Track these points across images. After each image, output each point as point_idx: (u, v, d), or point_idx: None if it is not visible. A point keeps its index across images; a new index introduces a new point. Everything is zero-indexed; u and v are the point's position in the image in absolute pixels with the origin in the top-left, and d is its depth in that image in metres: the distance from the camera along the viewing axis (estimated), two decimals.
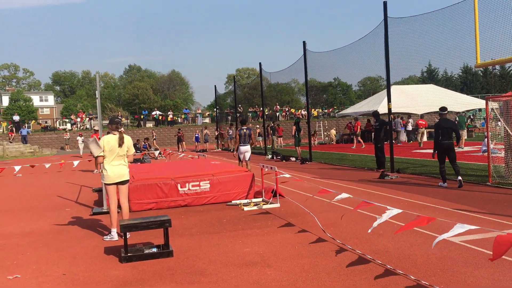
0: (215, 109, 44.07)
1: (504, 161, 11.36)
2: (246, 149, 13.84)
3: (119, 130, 7.48)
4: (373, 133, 15.93)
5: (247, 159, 13.81)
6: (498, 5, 12.02)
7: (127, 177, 7.50)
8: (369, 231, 5.91)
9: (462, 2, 13.05)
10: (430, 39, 14.69)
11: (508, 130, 10.96)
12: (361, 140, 29.01)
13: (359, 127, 29.99)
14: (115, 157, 7.32)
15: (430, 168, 14.52)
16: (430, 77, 69.40)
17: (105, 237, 7.39)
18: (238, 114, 37.60)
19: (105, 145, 7.30)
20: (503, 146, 11.57)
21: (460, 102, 29.87)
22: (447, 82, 64.42)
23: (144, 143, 28.41)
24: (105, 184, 7.43)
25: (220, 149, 34.22)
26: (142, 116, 52.17)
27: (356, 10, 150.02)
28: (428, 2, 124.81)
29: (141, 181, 9.78)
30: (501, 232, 3.85)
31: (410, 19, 14.71)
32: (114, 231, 7.31)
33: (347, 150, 25.93)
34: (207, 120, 55.47)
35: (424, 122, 27.85)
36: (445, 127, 11.00)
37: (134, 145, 28.08)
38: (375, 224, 5.43)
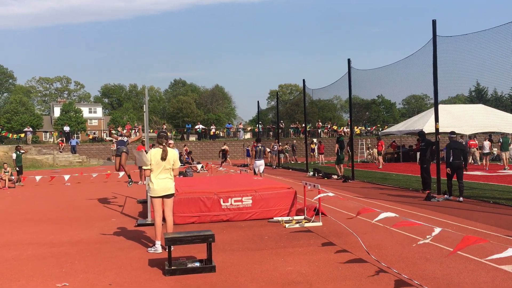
0: (257, 124, 44.28)
1: None
2: (260, 163, 16.69)
3: (166, 143, 7.64)
4: (418, 153, 15.56)
5: (261, 171, 16.70)
6: None
7: (172, 191, 7.63)
8: (417, 244, 5.73)
9: None
10: (479, 58, 14.27)
11: None
12: (381, 160, 28.20)
13: (383, 146, 29.27)
14: (161, 171, 7.48)
15: (479, 191, 13.99)
16: (478, 96, 67.34)
17: (149, 249, 7.51)
18: (280, 130, 37.65)
19: (152, 158, 7.48)
20: None
21: (510, 123, 28.76)
22: (497, 102, 62.23)
23: (187, 156, 28.84)
24: (151, 196, 7.59)
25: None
26: (185, 130, 53.06)
27: (400, 28, 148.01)
28: (477, 21, 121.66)
29: (185, 194, 9.91)
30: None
31: (459, 38, 14.37)
32: (158, 244, 7.40)
33: (389, 169, 25.40)
34: (248, 135, 55.78)
35: (475, 142, 27.07)
36: (455, 148, 12.69)
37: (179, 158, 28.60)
38: (423, 241, 5.27)
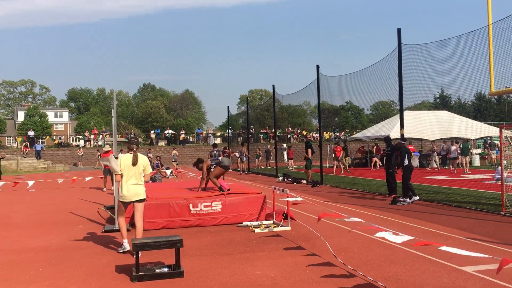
0: (227, 130, 44.29)
1: None
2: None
3: (137, 149, 7.75)
4: (385, 158, 15.92)
5: None
6: None
7: (143, 196, 7.72)
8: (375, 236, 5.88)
9: (477, 31, 13.15)
10: (443, 66, 14.76)
11: None
12: (341, 166, 28.48)
13: (341, 152, 29.51)
14: (132, 176, 7.58)
15: (442, 195, 14.41)
16: (442, 103, 69.25)
17: (119, 249, 7.74)
18: (250, 135, 37.77)
19: (122, 163, 7.58)
20: None
21: (473, 129, 29.77)
22: (460, 109, 64.15)
23: (157, 161, 28.58)
24: (120, 201, 7.73)
25: (231, 170, 34.25)
26: (154, 135, 52.56)
27: (369, 35, 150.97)
28: (442, 29, 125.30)
29: (154, 200, 9.85)
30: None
31: (423, 46, 14.82)
32: (125, 242, 7.70)
33: (356, 174, 25.85)
34: (218, 140, 55.68)
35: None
36: (409, 153, 13.59)
37: None
38: (381, 233, 5.43)
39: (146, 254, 7.21)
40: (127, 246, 7.64)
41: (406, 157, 13.39)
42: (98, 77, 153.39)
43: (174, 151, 35.14)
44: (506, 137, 11.87)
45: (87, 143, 49.02)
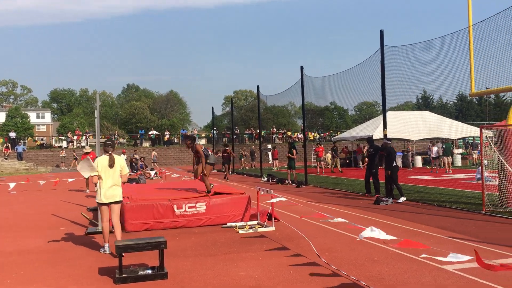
0: (212, 130, 44.21)
1: (498, 189, 11.46)
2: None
3: (113, 151, 7.89)
4: (367, 159, 16.03)
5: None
6: (492, 36, 12.29)
7: (119, 198, 7.84)
8: (358, 238, 5.95)
9: (457, 32, 13.35)
10: (425, 67, 14.96)
11: (502, 159, 11.09)
12: (322, 166, 28.56)
13: (323, 152, 29.57)
14: (109, 178, 7.69)
15: (424, 195, 14.60)
16: (425, 103, 70.07)
17: (101, 250, 7.81)
18: (234, 136, 37.75)
19: (99, 165, 7.69)
20: (497, 174, 11.68)
21: (454, 130, 30.19)
22: (442, 109, 64.99)
23: (141, 162, 28.39)
24: (98, 203, 7.80)
25: (216, 170, 34.18)
26: (138, 135, 52.22)
27: (353, 36, 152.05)
28: (424, 31, 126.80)
29: (138, 201, 9.79)
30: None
31: (406, 47, 15.00)
32: (106, 245, 7.72)
33: (340, 174, 26.02)
34: (203, 141, 55.55)
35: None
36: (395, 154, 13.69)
37: (131, 165, 28.05)
38: (362, 234, 5.49)
39: (130, 256, 7.17)
40: (107, 249, 7.71)
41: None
42: (81, 77, 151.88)
43: (154, 152, 34.99)
44: (486, 137, 12.05)
45: (70, 144, 48.49)
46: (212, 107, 40.58)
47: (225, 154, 25.87)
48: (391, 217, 10.73)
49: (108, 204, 7.72)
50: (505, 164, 10.96)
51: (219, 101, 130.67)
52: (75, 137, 49.60)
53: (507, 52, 11.96)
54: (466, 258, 4.36)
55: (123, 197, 10.14)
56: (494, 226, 9.20)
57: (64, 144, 50.97)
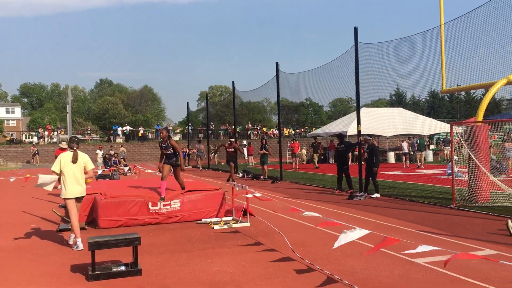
0: (187, 126, 43.96)
1: (468, 184, 11.75)
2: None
3: (77, 147, 8.04)
4: (336, 154, 15.99)
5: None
6: (463, 35, 12.57)
7: (83, 193, 8.04)
8: (334, 247, 6.02)
9: (429, 31, 13.61)
10: (398, 64, 15.21)
11: (471, 154, 11.37)
12: (297, 162, 28.74)
13: (299, 147, 29.74)
14: (72, 174, 7.86)
15: (397, 190, 14.86)
16: (398, 100, 71.12)
17: (73, 247, 7.75)
18: (210, 132, 37.62)
19: (62, 161, 7.86)
20: (467, 170, 11.97)
21: (426, 126, 30.78)
22: (415, 106, 66.08)
23: (115, 158, 28.05)
24: (64, 198, 7.92)
25: (191, 166, 34.05)
26: (112, 131, 51.49)
27: (329, 33, 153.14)
28: (398, 28, 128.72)
29: (112, 197, 9.67)
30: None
31: (379, 45, 15.22)
32: (79, 240, 7.68)
33: (316, 170, 26.24)
34: (178, 137, 55.16)
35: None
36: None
37: (104, 161, 27.67)
38: (340, 239, 5.56)
39: (103, 252, 7.08)
40: (80, 245, 7.64)
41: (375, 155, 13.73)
42: (52, 72, 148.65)
43: (122, 148, 34.53)
44: (457, 133, 12.34)
45: (41, 139, 47.48)
46: (187, 102, 40.34)
47: (230, 150, 20.05)
48: (364, 212, 10.89)
49: (73, 199, 7.88)
50: (475, 159, 11.24)
51: (194, 96, 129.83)
52: (46, 133, 48.58)
53: (477, 50, 12.27)
54: (433, 248, 4.47)
55: (97, 193, 10.08)
56: (464, 220, 9.44)
57: (35, 139, 49.86)
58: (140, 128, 52.28)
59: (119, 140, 49.35)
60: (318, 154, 30.86)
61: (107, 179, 20.30)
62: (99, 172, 22.48)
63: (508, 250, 6.85)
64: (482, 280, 5.51)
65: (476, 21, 11.90)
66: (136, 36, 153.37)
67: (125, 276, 6.02)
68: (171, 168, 10.40)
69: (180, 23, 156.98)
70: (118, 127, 52.10)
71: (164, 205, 9.88)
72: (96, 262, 6.05)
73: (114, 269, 6.13)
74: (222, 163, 36.23)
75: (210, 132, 39.33)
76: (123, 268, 6.19)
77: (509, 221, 8.08)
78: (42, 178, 8.08)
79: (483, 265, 6.08)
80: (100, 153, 32.11)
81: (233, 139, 20.93)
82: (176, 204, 9.98)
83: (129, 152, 44.67)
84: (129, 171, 25.76)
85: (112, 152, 29.26)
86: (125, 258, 6.76)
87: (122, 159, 33.05)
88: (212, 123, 45.71)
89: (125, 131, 50.22)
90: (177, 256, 7.08)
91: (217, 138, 48.77)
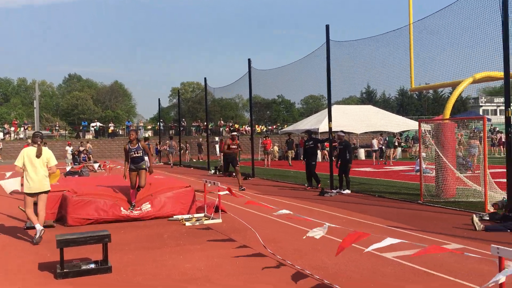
0: (158, 122, 43.53)
1: (435, 180, 12.05)
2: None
3: (41, 143, 8.09)
4: (305, 151, 16.00)
5: None
6: (431, 34, 12.85)
7: (47, 188, 8.13)
8: (304, 237, 6.09)
9: (399, 30, 13.85)
10: (369, 62, 15.44)
11: (438, 151, 11.65)
12: (269, 159, 28.92)
13: (271, 144, 29.94)
14: (35, 169, 7.91)
15: (367, 186, 15.11)
16: (369, 98, 72.18)
17: (35, 238, 7.79)
18: (181, 128, 37.37)
19: (25, 156, 7.93)
20: (434, 166, 12.27)
21: (396, 123, 31.38)
22: (385, 104, 67.25)
23: (84, 154, 27.55)
24: (25, 193, 7.99)
25: (162, 163, 33.77)
26: (81, 127, 50.54)
27: (301, 30, 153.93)
28: (369, 27, 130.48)
29: (82, 195, 9.52)
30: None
31: (350, 43, 15.41)
32: (38, 225, 7.84)
33: (288, 167, 26.42)
34: (149, 133, 54.57)
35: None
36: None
37: (73, 157, 27.14)
38: (310, 234, 5.64)
39: (72, 250, 6.96)
40: (39, 228, 7.79)
41: (348, 151, 13.97)
42: (18, 66, 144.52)
43: (88, 145, 33.88)
44: (425, 131, 12.63)
45: (7, 135, 46.21)
46: (159, 99, 39.86)
47: (233, 147, 15.50)
48: (335, 207, 11.03)
49: (35, 195, 7.98)
50: (442, 156, 11.53)
51: (166, 93, 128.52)
52: (13, 129, 47.31)
53: (445, 49, 12.57)
54: (399, 241, 4.58)
55: (65, 190, 9.88)
56: (431, 215, 9.69)
57: (1, 135, 48.49)
58: (110, 124, 51.46)
59: (89, 136, 48.50)
60: (292, 151, 31.08)
61: (76, 176, 19.94)
62: (68, 169, 22.06)
63: (472, 244, 7.07)
64: (447, 272, 5.67)
65: (444, 21, 12.18)
66: (105, 30, 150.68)
67: (95, 274, 5.95)
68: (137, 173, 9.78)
69: (151, 18, 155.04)
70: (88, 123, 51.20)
71: (136, 211, 9.76)
72: (65, 260, 5.95)
73: (84, 267, 6.04)
74: (194, 160, 36.12)
75: (182, 128, 39.08)
76: (92, 265, 6.11)
77: (474, 216, 8.33)
78: (7, 185, 8.20)
79: (449, 258, 6.26)
80: (69, 149, 31.50)
81: (235, 133, 16.31)
82: (146, 207, 9.88)
83: (99, 148, 43.97)
84: (99, 168, 25.36)
85: (81, 149, 28.73)
86: (95, 256, 6.66)
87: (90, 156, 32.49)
88: (184, 119, 45.45)
89: (95, 127, 49.38)
90: (149, 253, 7.03)
91: (189, 134, 48.50)
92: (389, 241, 4.54)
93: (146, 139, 25.09)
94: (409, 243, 5.56)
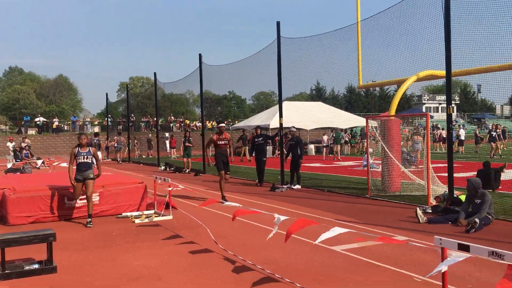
0: (106, 118, 42.39)
1: (381, 175, 12.43)
2: None
3: None
4: (255, 147, 16.02)
5: None
6: (378, 33, 13.22)
7: None
8: (267, 239, 6.13)
9: (347, 28, 14.16)
10: (319, 59, 15.71)
11: (385, 147, 12.03)
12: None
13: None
14: None
15: (316, 181, 15.39)
16: (318, 94, 73.49)
17: None
18: (130, 124, 36.58)
19: None
20: (380, 162, 12.66)
21: (344, 120, 32.12)
22: (334, 100, 68.65)
23: (26, 151, 26.41)
24: None
25: (110, 159, 32.91)
26: (23, 122, 48.37)
27: (252, 27, 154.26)
28: (319, 25, 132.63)
29: (22, 192, 9.11)
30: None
31: (301, 40, 15.60)
32: None
33: (239, 163, 26.46)
34: (96, 128, 53.02)
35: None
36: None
37: (15, 154, 25.96)
38: (271, 234, 5.70)
39: (14, 250, 6.66)
40: None
41: (299, 147, 14.19)
42: None
43: (27, 140, 32.51)
44: (372, 127, 12.99)
45: None
46: (106, 93, 38.78)
47: (222, 143, 11.96)
48: (285, 202, 11.16)
49: None
50: (388, 151, 11.91)
51: (114, 87, 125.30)
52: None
53: (391, 48, 12.98)
54: (346, 230, 4.70)
55: (5, 188, 9.44)
56: (377, 209, 9.99)
57: None
58: (54, 120, 49.55)
59: (32, 131, 46.53)
60: (246, 147, 31.21)
61: (18, 173, 19.11)
62: (9, 166, 21.13)
63: (416, 236, 7.36)
64: (393, 264, 5.87)
65: (390, 21, 12.57)
66: (49, 21, 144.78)
67: (39, 274, 5.72)
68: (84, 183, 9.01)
69: (99, 10, 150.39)
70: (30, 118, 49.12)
71: (81, 199, 9.44)
72: (6, 260, 5.68)
73: (27, 267, 5.80)
74: (144, 156, 35.44)
75: (131, 124, 38.24)
76: (36, 266, 5.87)
77: (418, 209, 8.67)
78: None
79: (395, 250, 6.48)
80: (10, 145, 30.10)
81: (222, 124, 12.47)
82: (95, 198, 9.60)
83: (43, 144, 42.32)
84: (43, 165, 24.37)
85: (23, 145, 27.52)
86: (39, 256, 6.40)
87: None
88: (133, 114, 44.43)
89: (38, 122, 47.42)
90: (96, 252, 6.84)
91: (138, 130, 47.53)
92: (337, 230, 4.65)
93: (96, 134, 24.34)
94: (357, 234, 5.71)
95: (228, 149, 12.32)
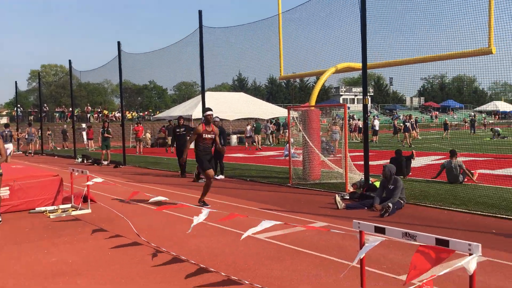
0: (15, 108, 39.68)
1: (302, 164, 12.79)
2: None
3: None
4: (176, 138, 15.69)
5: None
6: (299, 25, 13.52)
7: None
8: (189, 231, 6.08)
9: (269, 19, 14.34)
10: (241, 50, 15.78)
11: (305, 136, 12.37)
12: (141, 146, 28.44)
13: (143, 131, 29.57)
14: None
15: (239, 171, 15.50)
16: (240, 85, 73.94)
17: None
18: (43, 114, 34.57)
19: None
20: (301, 151, 13.01)
21: (266, 111, 32.63)
22: (256, 91, 69.41)
23: None
24: None
25: (21, 152, 30.89)
26: None
27: (173, 15, 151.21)
28: (243, 16, 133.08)
29: None
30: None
31: (223, 29, 15.57)
32: None
33: (161, 154, 26.00)
34: (5, 119, 49.51)
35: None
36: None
37: None
38: (193, 224, 5.65)
39: None
40: None
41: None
42: None
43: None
44: (293, 117, 13.29)
45: None
46: (16, 81, 36.22)
47: (208, 136, 9.73)
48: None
49: None
50: (308, 141, 12.26)
51: (25, 75, 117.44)
52: None
53: (311, 40, 13.33)
54: (275, 223, 4.80)
55: None
56: (299, 197, 10.28)
57: None
58: None
59: None
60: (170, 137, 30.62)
61: None
62: None
63: (336, 221, 7.67)
64: (315, 249, 6.08)
65: (310, 14, 12.90)
66: None
67: None
68: None
69: None
70: None
71: None
72: None
73: None
74: (58, 148, 33.67)
75: (44, 114, 36.14)
76: None
77: (337, 196, 9.03)
78: None
79: (316, 236, 6.70)
80: None
81: (211, 112, 9.80)
82: (5, 193, 8.97)
83: None
84: None
85: None
86: None
87: None
88: (45, 104, 42.02)
89: None
90: (7, 250, 6.40)
91: (52, 121, 45.03)
92: (265, 224, 4.73)
93: (6, 125, 22.78)
94: (282, 225, 5.82)
95: (212, 145, 9.94)
